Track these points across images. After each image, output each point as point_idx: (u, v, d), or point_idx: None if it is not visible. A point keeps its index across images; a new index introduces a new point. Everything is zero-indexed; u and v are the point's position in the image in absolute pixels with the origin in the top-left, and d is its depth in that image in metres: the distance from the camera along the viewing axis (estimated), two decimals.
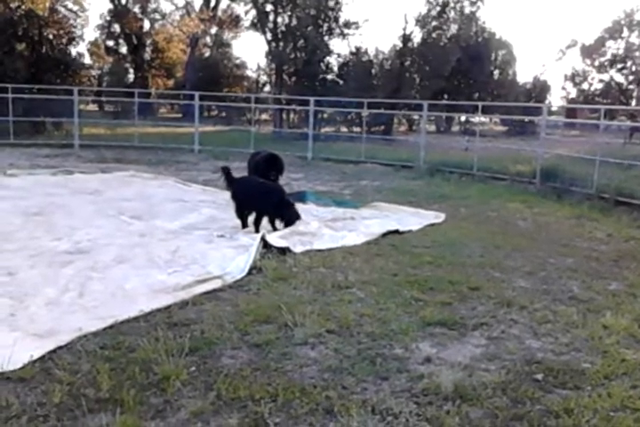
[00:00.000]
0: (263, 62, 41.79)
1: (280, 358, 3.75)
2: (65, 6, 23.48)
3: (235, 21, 37.81)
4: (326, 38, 27.32)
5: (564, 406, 3.26)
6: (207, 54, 42.42)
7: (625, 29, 41.48)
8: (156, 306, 4.52)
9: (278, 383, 3.39)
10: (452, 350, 3.99)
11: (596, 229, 8.29)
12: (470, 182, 12.55)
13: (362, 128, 19.07)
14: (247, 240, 6.48)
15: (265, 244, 6.33)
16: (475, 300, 4.99)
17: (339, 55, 28.98)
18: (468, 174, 13.23)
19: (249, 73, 43.76)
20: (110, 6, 38.49)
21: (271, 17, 26.81)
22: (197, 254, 5.97)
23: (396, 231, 7.40)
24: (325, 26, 27.22)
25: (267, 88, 38.65)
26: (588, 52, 43.58)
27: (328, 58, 28.16)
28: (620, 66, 42.59)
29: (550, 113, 25.25)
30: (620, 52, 42.21)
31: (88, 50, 41.33)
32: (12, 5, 21.07)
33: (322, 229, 7.40)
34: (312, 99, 17.12)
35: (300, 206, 8.83)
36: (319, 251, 6.36)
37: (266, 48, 27.88)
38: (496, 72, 38.43)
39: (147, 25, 40.55)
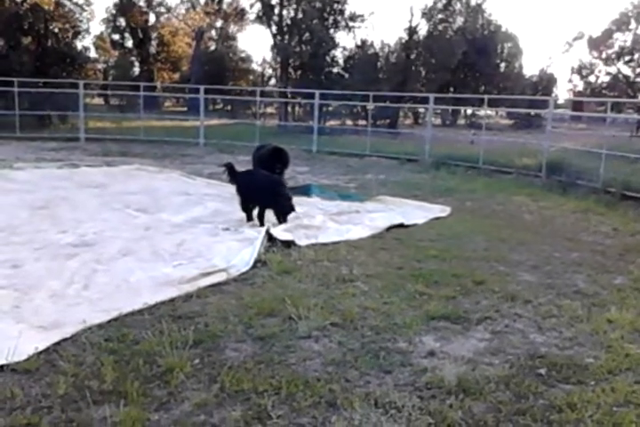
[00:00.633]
0: (268, 56, 41.81)
1: (284, 351, 3.75)
2: (70, 0, 23.43)
3: (240, 14, 37.73)
4: (332, 31, 27.27)
5: (568, 401, 3.25)
6: (212, 48, 42.36)
7: (633, 21, 41.12)
8: (161, 299, 4.53)
9: (282, 376, 3.40)
10: (455, 344, 3.98)
11: (602, 223, 8.26)
12: (476, 176, 12.52)
13: (367, 121, 19.03)
14: (252, 233, 6.49)
15: (270, 237, 6.33)
16: (479, 294, 4.98)
17: (344, 48, 29.00)
18: (473, 168, 13.20)
19: (254, 66, 43.81)
20: (116, 0, 38.47)
21: (276, 10, 26.74)
22: (202, 247, 5.98)
23: (401, 225, 7.39)
24: (331, 19, 27.15)
25: (272, 81, 38.60)
26: (595, 44, 43.28)
27: (333, 51, 28.12)
28: (627, 58, 42.26)
29: (557, 106, 25.10)
30: (628, 44, 41.87)
31: (94, 43, 41.43)
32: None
33: (326, 222, 7.40)
34: (317, 92, 17.09)
35: (304, 200, 8.88)
36: (324, 244, 6.35)
37: (271, 41, 27.87)
38: (502, 65, 38.27)
39: (152, 18, 40.63)
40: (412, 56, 30.38)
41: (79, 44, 24.74)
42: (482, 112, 21.08)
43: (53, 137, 16.62)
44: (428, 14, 29.83)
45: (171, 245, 6.01)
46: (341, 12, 27.12)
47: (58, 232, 6.47)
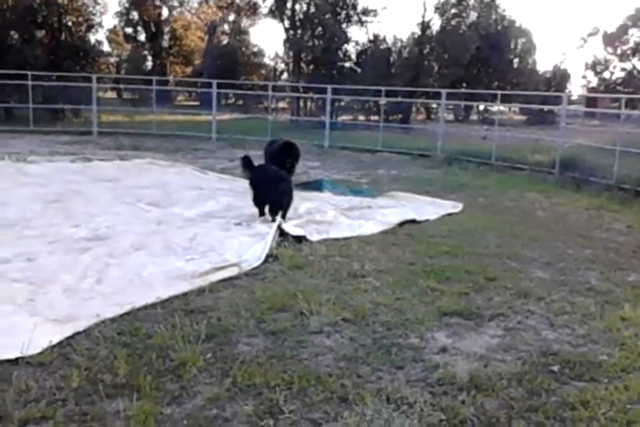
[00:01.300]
0: (281, 50, 41.54)
1: (296, 346, 3.76)
2: None
3: (252, 9, 37.67)
4: (344, 26, 27.17)
5: (580, 398, 3.24)
6: (225, 42, 42.35)
7: None
8: (174, 293, 4.55)
9: (294, 371, 3.40)
10: (467, 340, 3.98)
11: (616, 220, 8.21)
12: (488, 172, 12.47)
13: (379, 117, 18.99)
14: (264, 228, 6.50)
15: (281, 232, 6.34)
16: (491, 290, 4.96)
17: (356, 43, 28.85)
18: (486, 164, 13.15)
19: (266, 61, 43.77)
20: None
21: (289, 4, 26.67)
22: (214, 242, 5.99)
23: (413, 221, 7.38)
24: (343, 13, 27.05)
25: (284, 76, 38.50)
26: (610, 40, 42.95)
27: (346, 46, 28.03)
28: None
29: (570, 102, 24.96)
30: None
31: (107, 37, 41.48)
32: None
33: (338, 217, 7.40)
34: (329, 87, 17.05)
35: (316, 195, 8.89)
36: (335, 240, 6.35)
37: (283, 36, 27.75)
38: (515, 60, 37.99)
39: (165, 12, 40.69)
40: (425, 51, 30.26)
41: (92, 38, 24.95)
42: (495, 108, 20.97)
43: (67, 131, 16.71)
44: (441, 9, 29.69)
45: (183, 240, 6.03)
46: (354, 6, 27.02)
47: (71, 226, 6.51)
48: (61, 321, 3.94)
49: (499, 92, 18.17)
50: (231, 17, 40.61)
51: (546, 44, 75.66)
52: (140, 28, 40.65)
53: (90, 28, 23.57)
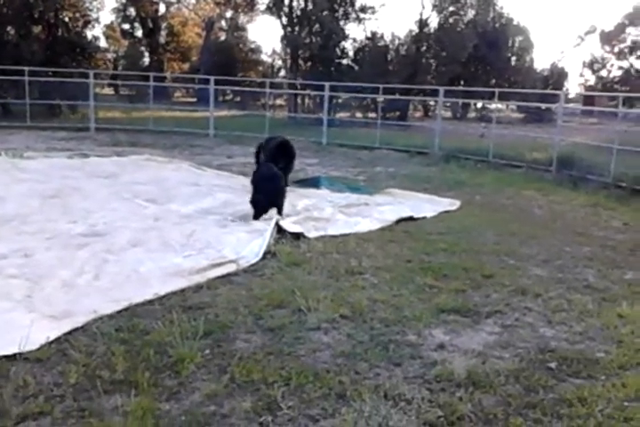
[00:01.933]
0: (278, 47, 41.56)
1: (293, 343, 3.76)
2: None
3: (250, 5, 37.53)
4: (342, 23, 27.12)
5: (578, 395, 3.24)
6: (222, 38, 42.30)
7: None
8: (171, 289, 4.54)
9: (291, 367, 3.40)
10: (465, 337, 3.98)
11: (613, 217, 8.23)
12: (486, 169, 12.48)
13: (377, 114, 18.99)
14: (262, 225, 6.50)
15: (279, 229, 6.35)
16: (489, 287, 4.97)
17: (354, 40, 28.81)
18: (483, 161, 13.16)
19: (264, 57, 43.71)
20: None
21: (287, 1, 26.60)
22: (212, 238, 5.99)
23: (411, 218, 7.38)
24: (341, 10, 27.01)
25: (282, 73, 38.49)
26: (608, 38, 42.97)
27: (343, 43, 27.98)
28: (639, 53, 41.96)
29: (568, 100, 24.95)
30: None
31: (104, 33, 41.45)
32: None
33: (336, 214, 7.40)
34: (327, 84, 17.03)
35: (314, 192, 8.89)
36: (333, 236, 6.35)
37: (281, 32, 27.71)
38: (513, 58, 37.98)
39: (162, 8, 40.62)
40: (423, 48, 30.23)
41: (89, 34, 24.91)
42: (492, 105, 20.97)
43: (63, 126, 16.67)
44: (438, 6, 29.66)
45: (180, 236, 6.03)
46: (352, 3, 26.96)
47: (68, 222, 6.49)
48: (59, 317, 3.93)
49: (496, 89, 18.17)
50: (228, 13, 40.54)
51: (543, 43, 75.74)
52: (137, 24, 40.57)
53: (87, 23, 23.50)
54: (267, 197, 6.93)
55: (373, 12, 27.38)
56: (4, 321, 3.83)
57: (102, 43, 36.84)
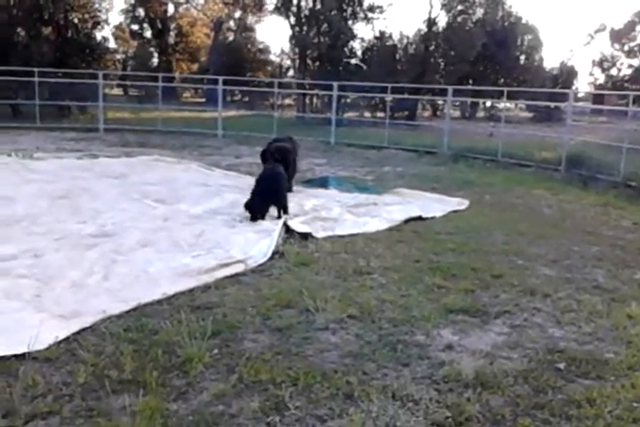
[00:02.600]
0: (287, 47, 41.57)
1: (301, 343, 3.76)
2: None
3: (258, 5, 37.59)
4: (350, 22, 27.11)
5: (587, 396, 3.23)
6: (231, 38, 42.31)
7: None
8: (180, 289, 4.56)
9: (299, 368, 3.41)
10: (473, 337, 3.97)
11: (622, 217, 8.18)
12: (495, 169, 12.44)
13: (385, 113, 18.96)
14: (270, 225, 6.51)
15: (287, 229, 6.35)
16: (497, 287, 4.95)
17: (362, 40, 28.79)
18: (492, 161, 13.12)
19: (272, 57, 43.68)
20: None
21: (295, 1, 26.61)
22: (220, 238, 6.00)
23: (419, 218, 7.37)
24: (349, 10, 26.99)
25: (290, 73, 38.48)
26: (618, 36, 42.73)
27: (352, 42, 27.98)
28: None
29: (577, 99, 24.84)
30: None
31: (113, 34, 41.54)
32: None
33: (344, 214, 7.40)
34: (335, 84, 17.02)
35: (322, 192, 8.89)
36: (341, 236, 6.35)
37: (289, 32, 27.72)
38: (522, 57, 37.83)
39: (171, 9, 40.75)
40: (431, 48, 30.14)
41: (98, 35, 25.03)
42: (501, 105, 20.89)
43: (73, 127, 16.74)
44: (447, 6, 29.56)
45: (189, 236, 6.04)
46: (360, 3, 26.94)
47: (78, 222, 6.52)
48: (68, 317, 3.95)
49: (505, 88, 18.12)
50: (237, 13, 40.55)
51: (552, 41, 75.47)
52: (145, 25, 40.72)
53: (96, 24, 23.60)
54: (263, 198, 6.93)
55: (382, 12, 27.37)
56: (13, 321, 3.86)
57: (111, 44, 36.96)
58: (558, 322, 4.29)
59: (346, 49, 27.55)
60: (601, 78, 44.80)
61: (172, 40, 41.66)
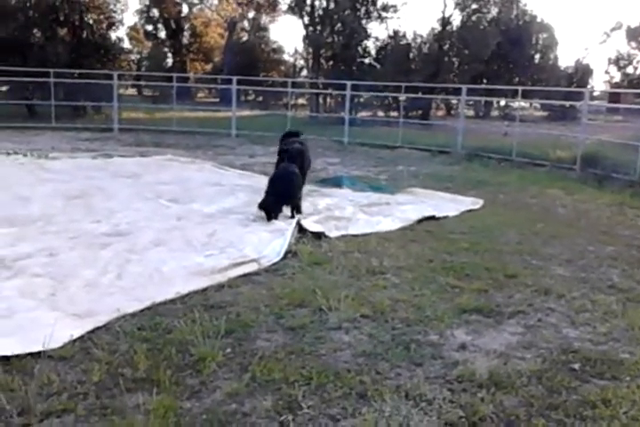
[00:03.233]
0: (300, 46, 41.60)
1: (314, 342, 3.76)
2: None
3: (272, 5, 37.65)
4: (364, 22, 27.05)
5: (602, 397, 3.20)
6: (245, 38, 42.41)
7: None
8: (193, 288, 4.57)
9: (312, 367, 3.41)
10: (487, 337, 3.95)
11: (638, 216, 8.11)
12: (509, 168, 12.37)
13: (399, 113, 18.90)
14: (283, 225, 6.52)
15: (300, 228, 6.36)
16: (511, 287, 4.93)
17: (376, 39, 28.69)
18: (506, 160, 13.05)
19: (286, 57, 43.69)
20: None
21: (309, 0, 26.61)
22: (234, 238, 6.01)
23: (433, 217, 7.35)
24: (363, 9, 26.94)
25: (304, 72, 38.46)
26: (634, 34, 42.33)
27: (366, 42, 27.90)
28: None
29: (593, 98, 24.65)
30: None
31: (127, 35, 41.69)
32: None
33: (357, 214, 7.40)
34: (349, 83, 17.01)
35: (336, 191, 8.89)
36: (354, 236, 6.35)
37: (303, 32, 27.77)
38: (537, 56, 37.58)
39: (185, 9, 40.93)
40: (445, 47, 30.01)
41: (113, 35, 25.00)
42: (515, 104, 20.76)
43: (88, 127, 16.84)
44: (461, 4, 29.42)
45: (202, 235, 6.06)
46: (374, 2, 26.88)
47: (92, 222, 6.57)
48: (82, 316, 3.98)
49: (520, 87, 18.01)
50: (251, 14, 40.68)
51: (568, 39, 74.74)
52: (160, 26, 40.89)
53: (111, 25, 23.72)
54: (277, 197, 6.93)
55: (395, 11, 27.30)
56: (28, 319, 3.89)
57: (126, 44, 37.07)
58: (573, 322, 4.26)
59: (359, 48, 27.50)
60: (617, 77, 44.39)
61: (186, 40, 41.83)
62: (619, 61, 43.83)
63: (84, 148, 13.19)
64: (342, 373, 3.36)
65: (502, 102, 29.46)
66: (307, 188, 8.52)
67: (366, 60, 28.23)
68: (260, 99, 31.19)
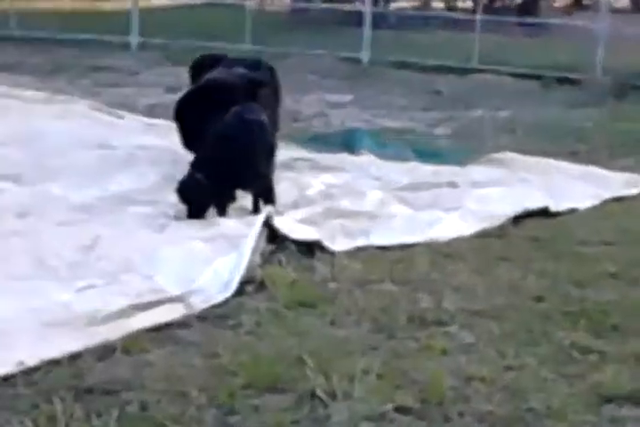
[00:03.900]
0: None
1: None
2: None
3: None
4: None
5: None
6: None
7: None
8: (51, 354, 4.57)
9: None
10: None
11: None
12: None
13: (475, 2, 18.98)
14: (236, 226, 6.53)
15: (273, 234, 6.37)
16: None
17: None
18: None
19: None
20: None
21: None
22: (135, 253, 6.03)
23: (544, 212, 7.39)
24: None
25: None
26: None
27: None
28: None
29: None
30: None
31: None
32: None
33: (388, 204, 7.46)
34: None
35: (345, 159, 8.92)
36: (382, 248, 6.40)
37: None
38: None
39: None
40: None
41: None
42: None
43: None
44: None
45: (71, 248, 6.08)
46: None
47: None
48: None
49: None
50: None
51: None
52: None
53: None
54: (222, 174, 6.96)
55: None
56: None
57: None
58: None
59: None
60: None
61: None
62: None
63: None
64: None
65: None
66: (285, 153, 8.54)
67: None
68: None
